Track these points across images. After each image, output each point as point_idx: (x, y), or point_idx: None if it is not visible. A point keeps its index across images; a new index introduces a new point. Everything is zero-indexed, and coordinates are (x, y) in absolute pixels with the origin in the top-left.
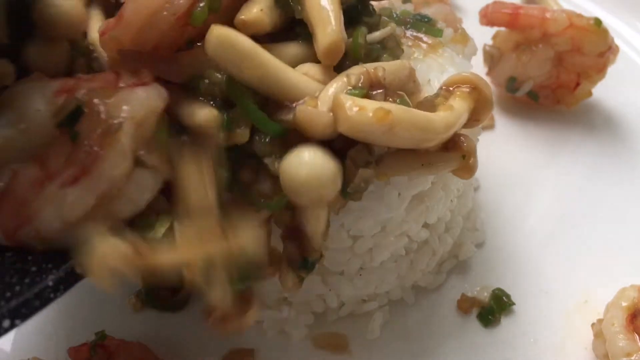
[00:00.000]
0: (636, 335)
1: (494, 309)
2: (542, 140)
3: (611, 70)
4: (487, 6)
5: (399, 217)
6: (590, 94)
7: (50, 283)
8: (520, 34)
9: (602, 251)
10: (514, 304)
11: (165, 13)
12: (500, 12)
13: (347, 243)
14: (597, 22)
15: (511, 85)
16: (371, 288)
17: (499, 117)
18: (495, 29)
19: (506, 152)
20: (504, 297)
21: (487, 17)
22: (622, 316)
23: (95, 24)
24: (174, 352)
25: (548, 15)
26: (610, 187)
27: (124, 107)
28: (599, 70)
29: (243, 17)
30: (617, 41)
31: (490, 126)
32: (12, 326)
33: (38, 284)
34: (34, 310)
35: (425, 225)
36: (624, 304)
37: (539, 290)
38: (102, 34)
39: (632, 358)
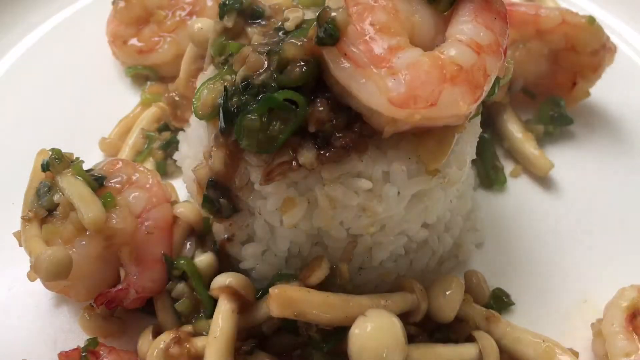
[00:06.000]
0: (635, 335)
1: (493, 308)
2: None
3: (610, 70)
4: None
5: (398, 215)
6: (588, 94)
7: None
8: (515, 31)
9: (601, 251)
10: (513, 304)
11: None
12: None
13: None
14: (591, 19)
15: None
16: (371, 287)
17: None
18: None
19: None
20: (504, 297)
21: None
22: (622, 316)
23: None
24: None
25: (541, 12)
26: (609, 187)
27: None
28: (594, 69)
29: None
30: (616, 41)
31: None
32: None
33: None
34: None
35: (425, 225)
36: (624, 304)
37: (538, 290)
38: None
39: (631, 358)
